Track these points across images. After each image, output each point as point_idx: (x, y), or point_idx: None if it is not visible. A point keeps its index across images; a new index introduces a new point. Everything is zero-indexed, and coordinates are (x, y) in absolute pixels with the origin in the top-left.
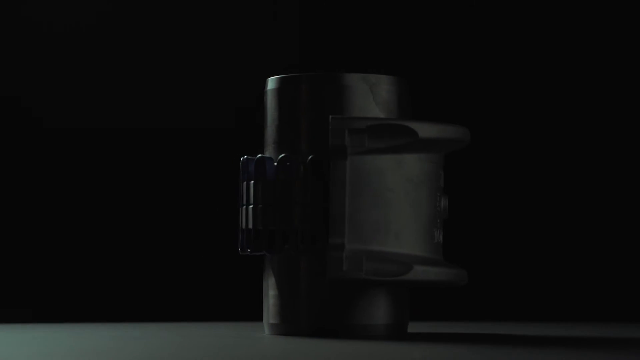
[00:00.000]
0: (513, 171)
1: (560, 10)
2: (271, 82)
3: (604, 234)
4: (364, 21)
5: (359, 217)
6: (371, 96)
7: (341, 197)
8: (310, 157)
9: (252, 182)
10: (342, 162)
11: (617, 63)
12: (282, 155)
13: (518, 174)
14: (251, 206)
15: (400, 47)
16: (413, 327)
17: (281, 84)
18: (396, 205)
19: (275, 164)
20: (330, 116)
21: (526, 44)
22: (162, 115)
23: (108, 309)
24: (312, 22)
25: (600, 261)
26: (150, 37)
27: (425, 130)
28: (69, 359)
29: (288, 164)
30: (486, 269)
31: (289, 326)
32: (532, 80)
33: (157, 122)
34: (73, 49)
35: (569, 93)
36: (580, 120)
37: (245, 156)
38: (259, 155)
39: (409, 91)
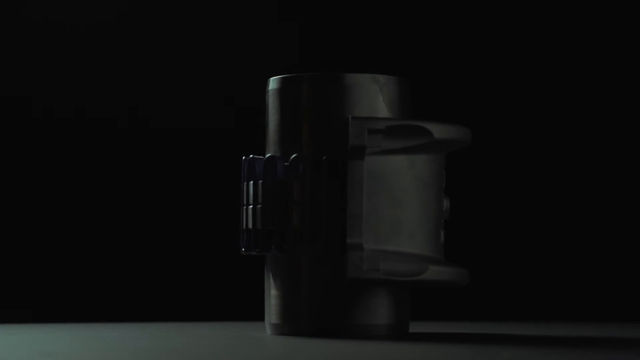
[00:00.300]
0: (512, 171)
1: (561, 10)
2: (273, 82)
3: (604, 234)
4: (363, 21)
5: (375, 218)
6: (380, 97)
7: (359, 198)
8: (324, 157)
9: (261, 181)
10: (360, 163)
11: (617, 63)
12: (294, 155)
13: (518, 174)
14: (259, 206)
15: (399, 46)
16: (414, 327)
17: (283, 84)
18: (409, 206)
19: (286, 164)
20: (350, 116)
21: (526, 44)
22: (163, 115)
23: (108, 309)
24: (312, 22)
25: (600, 261)
26: (151, 37)
27: (439, 131)
28: (69, 359)
29: (300, 164)
30: (486, 269)
31: (290, 326)
32: (531, 80)
33: (158, 122)
34: (74, 48)
35: (569, 93)
36: (580, 120)
37: (252, 155)
38: (269, 155)
39: (410, 91)
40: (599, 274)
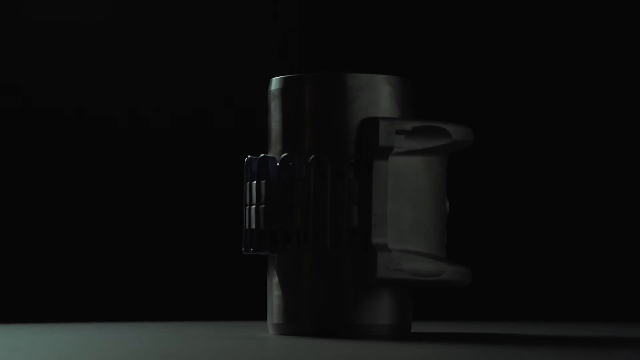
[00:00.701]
0: (514, 171)
1: (561, 10)
2: (275, 83)
3: (604, 234)
4: (364, 21)
5: (396, 218)
6: (394, 98)
7: (383, 198)
8: (346, 157)
9: (264, 181)
10: (384, 163)
11: (618, 63)
12: (312, 156)
13: (518, 174)
14: (263, 206)
15: (397, 46)
16: (416, 327)
17: (285, 84)
18: (426, 206)
19: (291, 163)
20: (379, 118)
21: (526, 45)
22: (163, 116)
23: (110, 309)
24: (314, 22)
25: (600, 261)
26: (152, 38)
27: (456, 132)
28: (69, 359)
29: (326, 163)
30: (487, 268)
31: (292, 326)
32: (531, 80)
33: (158, 122)
34: (75, 49)
35: (570, 93)
36: (581, 120)
37: (262, 155)
38: (284, 154)
39: (412, 91)
40: (599, 274)
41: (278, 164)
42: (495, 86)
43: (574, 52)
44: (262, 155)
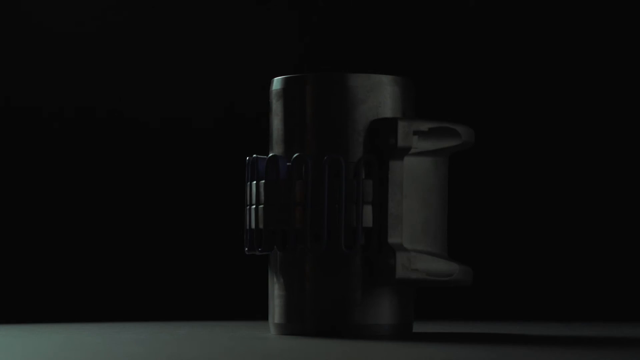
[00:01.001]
0: (514, 172)
1: (562, 10)
2: (276, 83)
3: (604, 234)
4: (366, 21)
5: (409, 218)
6: (400, 98)
7: (399, 198)
8: (360, 157)
9: (263, 181)
10: (400, 163)
11: (618, 63)
12: (326, 156)
13: (519, 174)
14: (272, 206)
15: (398, 46)
16: (418, 327)
17: (286, 84)
18: (435, 206)
19: (289, 163)
20: (398, 118)
21: (527, 45)
22: (165, 116)
23: (110, 309)
24: (314, 22)
25: (601, 261)
26: (153, 38)
27: (465, 133)
28: (68, 359)
29: (341, 162)
30: (489, 268)
31: (294, 326)
32: (532, 81)
33: (160, 123)
34: (76, 50)
35: (571, 93)
36: (582, 120)
37: (272, 154)
38: (297, 154)
39: (414, 92)
40: (599, 274)
41: (289, 164)
42: (494, 86)
43: (574, 53)
44: (271, 154)
